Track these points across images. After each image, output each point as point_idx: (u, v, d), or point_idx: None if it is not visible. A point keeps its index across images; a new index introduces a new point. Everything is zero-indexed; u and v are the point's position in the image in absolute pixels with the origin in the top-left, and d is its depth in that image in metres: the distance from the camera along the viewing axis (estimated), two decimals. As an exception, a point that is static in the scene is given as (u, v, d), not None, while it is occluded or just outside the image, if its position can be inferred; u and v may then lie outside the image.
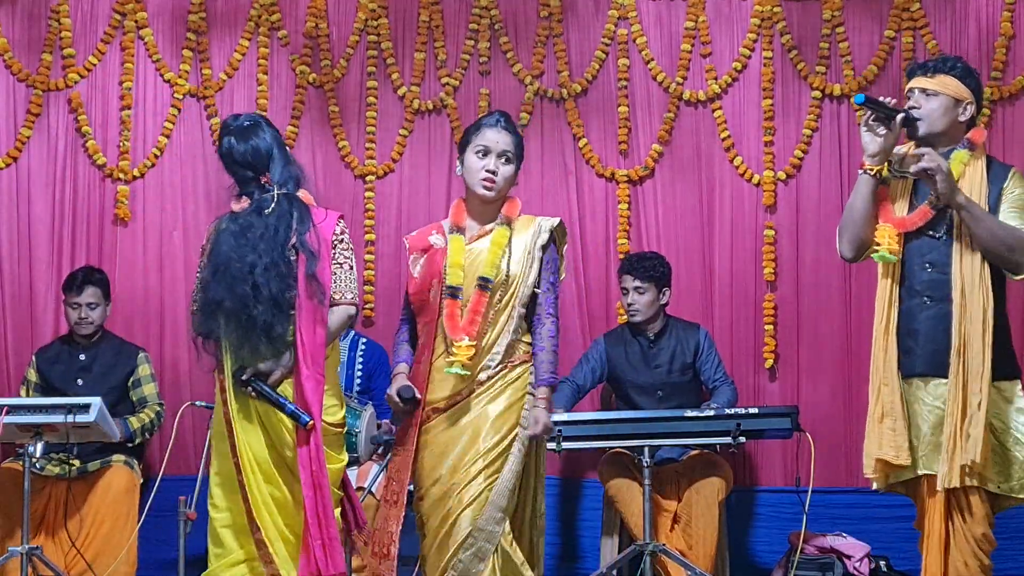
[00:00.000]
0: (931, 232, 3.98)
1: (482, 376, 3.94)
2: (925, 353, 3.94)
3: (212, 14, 6.25)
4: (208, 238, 3.96)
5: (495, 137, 3.99)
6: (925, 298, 3.96)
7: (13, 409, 4.85)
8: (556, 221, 4.08)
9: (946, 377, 3.89)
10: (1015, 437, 3.89)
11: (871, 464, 3.99)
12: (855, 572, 5.31)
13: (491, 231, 4.02)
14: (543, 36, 6.19)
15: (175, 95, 6.20)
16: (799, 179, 6.09)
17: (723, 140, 6.11)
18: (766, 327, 6.02)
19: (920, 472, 3.94)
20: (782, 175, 6.07)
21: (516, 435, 3.92)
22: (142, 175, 6.17)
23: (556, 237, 4.08)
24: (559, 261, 4.09)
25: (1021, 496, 3.94)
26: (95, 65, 6.20)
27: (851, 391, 5.91)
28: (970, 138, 4.06)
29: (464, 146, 4.04)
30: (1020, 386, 3.98)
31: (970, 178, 3.97)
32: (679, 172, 6.15)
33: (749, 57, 6.12)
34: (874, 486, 4.06)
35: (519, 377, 3.98)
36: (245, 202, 3.92)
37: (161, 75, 6.20)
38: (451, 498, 3.86)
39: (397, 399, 3.97)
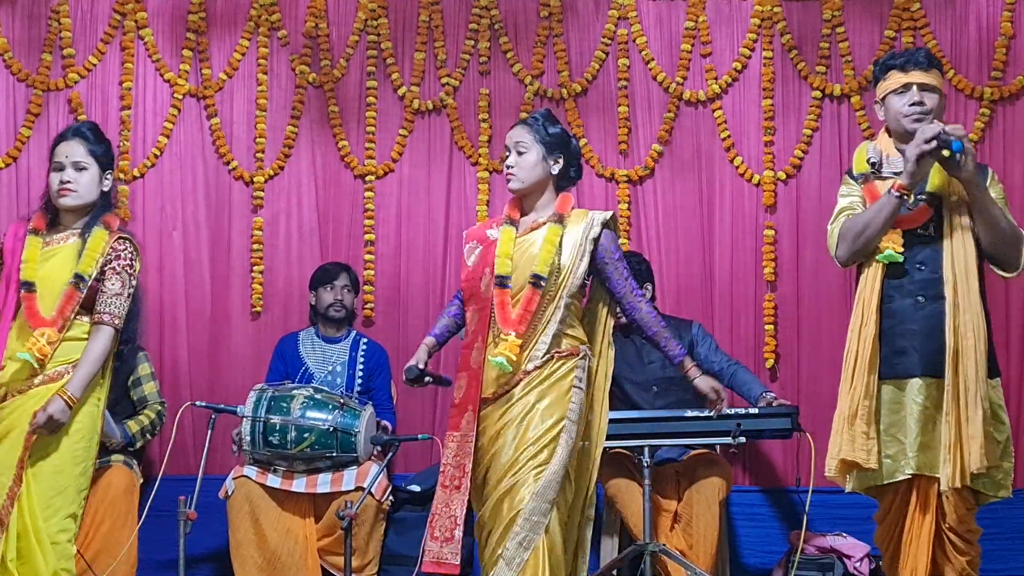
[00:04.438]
0: (920, 230, 3.96)
1: (529, 366, 4.00)
2: (923, 353, 3.92)
3: (212, 14, 6.25)
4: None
5: (509, 135, 4.16)
6: (919, 297, 3.94)
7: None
8: (608, 214, 4.16)
9: (942, 377, 3.88)
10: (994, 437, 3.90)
11: (835, 465, 4.01)
12: (855, 572, 5.31)
13: (543, 226, 4.10)
14: (543, 36, 6.19)
15: (175, 95, 6.19)
16: (799, 179, 6.09)
17: (723, 140, 6.11)
18: (766, 327, 6.02)
19: (909, 472, 3.93)
20: (782, 175, 6.07)
21: (563, 427, 3.95)
22: (142, 175, 6.17)
23: (610, 227, 4.16)
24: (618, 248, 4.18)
25: (999, 495, 3.97)
26: (95, 65, 6.19)
27: (851, 391, 5.91)
28: None
29: None
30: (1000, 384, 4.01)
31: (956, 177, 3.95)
32: (679, 172, 6.15)
33: (749, 57, 6.12)
34: (848, 487, 4.08)
35: (566, 370, 4.02)
36: None
37: (161, 75, 6.20)
38: (501, 486, 3.92)
39: (404, 375, 4.10)
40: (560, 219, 4.10)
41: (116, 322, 4.20)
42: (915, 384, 3.94)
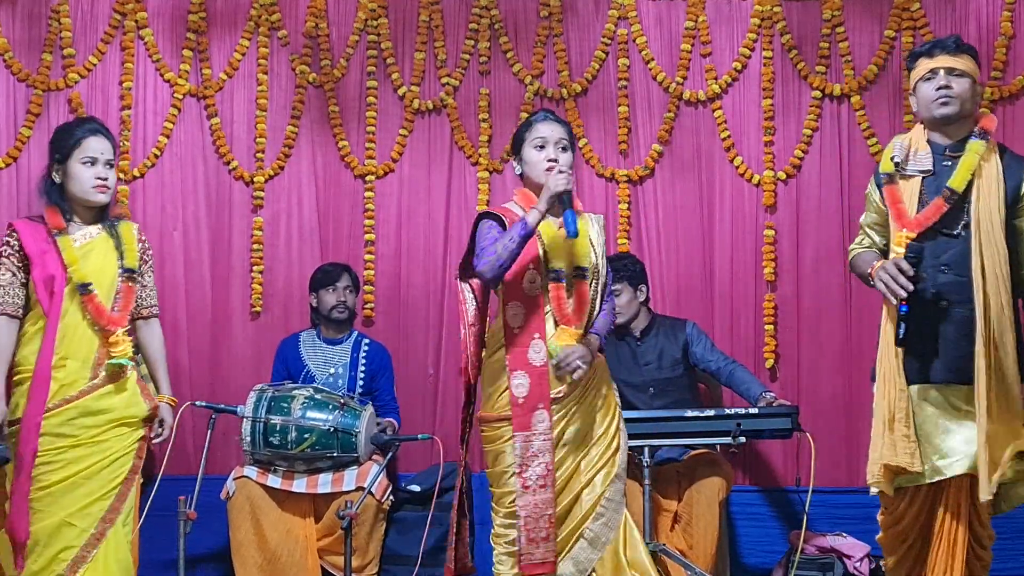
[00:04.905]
0: (946, 230, 3.84)
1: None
2: (949, 359, 3.82)
3: (212, 14, 6.24)
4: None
5: (548, 129, 4.17)
6: (944, 302, 3.81)
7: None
8: (601, 218, 4.34)
9: (969, 383, 3.78)
10: None
11: (878, 470, 3.91)
12: (855, 572, 5.31)
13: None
14: (543, 36, 6.19)
15: (175, 95, 6.19)
16: (799, 179, 6.09)
17: (723, 140, 6.11)
18: (766, 327, 6.02)
19: (937, 478, 3.85)
20: (782, 175, 6.07)
21: (619, 413, 4.19)
22: (142, 175, 6.17)
23: None
24: None
25: None
26: (95, 65, 6.19)
27: (851, 391, 5.91)
28: (984, 126, 3.92)
29: (519, 144, 4.21)
30: None
31: (987, 173, 3.84)
32: (679, 172, 6.15)
33: (749, 57, 6.12)
34: (873, 491, 3.99)
35: (603, 363, 4.23)
36: None
37: (161, 75, 6.20)
38: (581, 475, 4.07)
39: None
40: (581, 214, 4.24)
41: (158, 312, 4.54)
42: (942, 389, 3.85)
